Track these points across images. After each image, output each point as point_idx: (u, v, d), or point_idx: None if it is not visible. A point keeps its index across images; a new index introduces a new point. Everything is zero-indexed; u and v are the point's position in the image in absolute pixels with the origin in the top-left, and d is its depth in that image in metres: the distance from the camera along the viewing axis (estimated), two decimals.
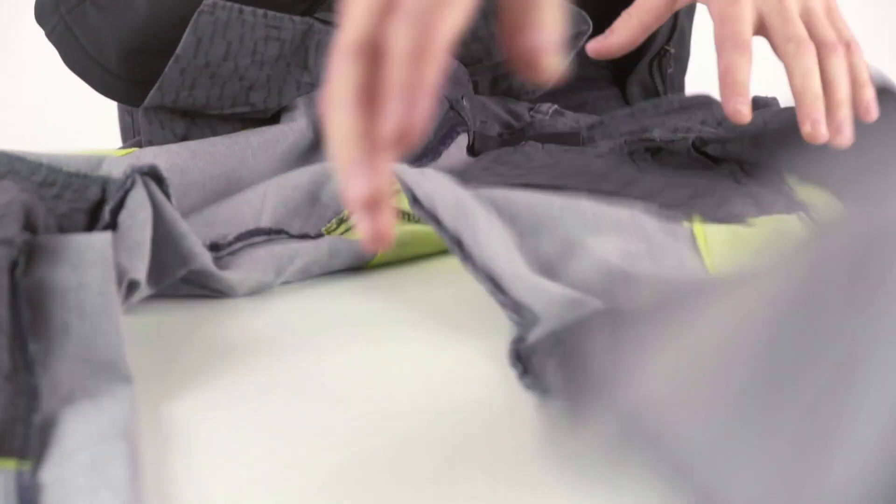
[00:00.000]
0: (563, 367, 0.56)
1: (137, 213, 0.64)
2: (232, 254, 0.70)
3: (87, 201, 0.66)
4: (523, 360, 0.57)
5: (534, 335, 0.58)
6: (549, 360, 0.56)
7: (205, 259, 0.66)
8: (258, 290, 0.70)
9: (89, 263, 0.58)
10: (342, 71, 0.45)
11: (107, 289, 0.57)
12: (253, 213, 0.73)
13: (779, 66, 0.77)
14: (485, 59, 1.00)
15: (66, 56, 0.93)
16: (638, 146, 0.91)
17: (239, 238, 0.71)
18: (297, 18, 0.86)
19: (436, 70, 0.44)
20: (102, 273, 0.57)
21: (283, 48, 0.85)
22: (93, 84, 0.89)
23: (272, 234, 0.72)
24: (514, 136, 0.96)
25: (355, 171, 0.44)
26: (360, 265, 0.74)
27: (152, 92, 0.83)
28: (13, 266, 0.58)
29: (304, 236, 0.73)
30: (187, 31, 0.83)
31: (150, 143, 0.84)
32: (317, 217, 0.75)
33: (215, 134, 0.83)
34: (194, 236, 0.66)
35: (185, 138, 0.82)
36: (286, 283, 0.72)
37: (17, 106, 2.37)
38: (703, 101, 0.98)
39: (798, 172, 0.81)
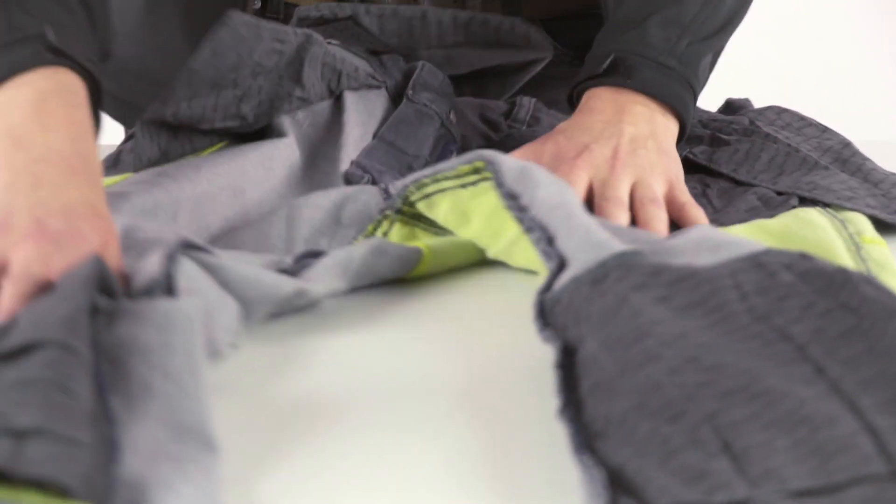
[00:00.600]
0: (576, 322, 0.57)
1: (196, 285, 0.63)
2: (294, 272, 0.70)
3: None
4: (546, 313, 0.60)
5: (559, 282, 0.60)
6: (568, 313, 0.57)
7: (288, 283, 0.66)
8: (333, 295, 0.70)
9: (176, 326, 0.56)
10: None
11: (193, 351, 0.54)
12: (278, 233, 0.73)
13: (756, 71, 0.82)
14: (463, 67, 1.01)
15: None
16: None
17: (301, 257, 0.71)
18: (298, 31, 0.87)
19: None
20: (189, 336, 0.55)
21: (281, 60, 0.85)
22: None
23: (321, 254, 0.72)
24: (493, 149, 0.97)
25: None
26: (402, 275, 0.74)
27: (155, 104, 0.82)
28: (92, 322, 0.56)
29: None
30: (205, 43, 0.83)
31: (140, 157, 0.82)
32: (340, 237, 0.75)
33: (194, 148, 0.82)
34: (267, 270, 0.66)
35: (166, 153, 0.81)
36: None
37: None
38: None
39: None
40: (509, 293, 0.74)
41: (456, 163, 0.73)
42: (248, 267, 0.66)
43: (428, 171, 0.75)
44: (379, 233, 0.75)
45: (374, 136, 0.87)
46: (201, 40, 0.85)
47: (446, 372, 0.63)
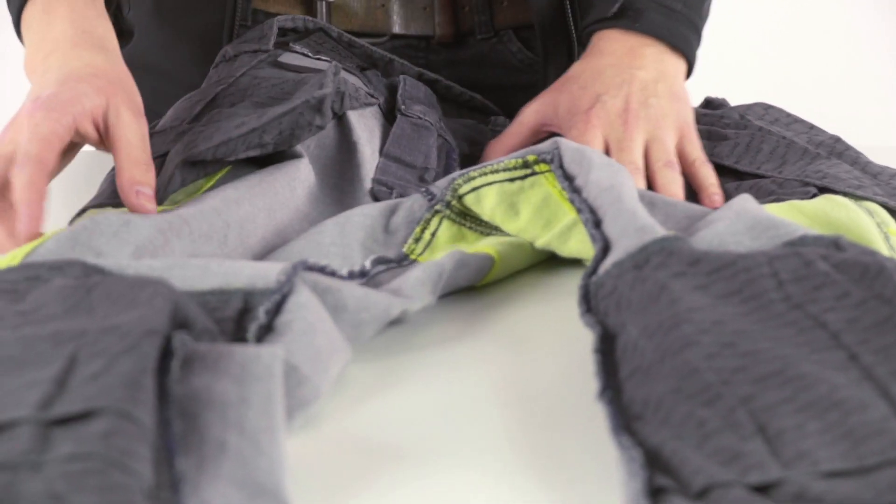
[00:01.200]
0: (617, 308, 0.59)
1: (305, 317, 0.60)
2: (372, 278, 0.71)
3: (232, 311, 0.61)
4: (589, 298, 0.62)
5: (603, 266, 0.61)
6: (610, 299, 0.59)
7: (397, 305, 0.66)
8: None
9: (254, 377, 0.53)
10: None
11: (271, 407, 0.52)
12: (332, 240, 0.74)
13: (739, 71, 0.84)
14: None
15: None
16: None
17: (377, 262, 0.71)
18: (330, 64, 0.90)
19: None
20: (268, 389, 0.52)
21: (304, 87, 0.86)
22: None
23: (391, 261, 0.73)
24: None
25: None
26: (476, 283, 0.74)
27: (192, 146, 0.81)
28: (164, 367, 0.53)
29: (401, 259, 0.74)
30: (246, 76, 0.88)
31: (163, 189, 0.80)
32: (390, 244, 0.76)
33: (206, 173, 0.81)
34: (364, 289, 0.66)
35: (183, 181, 0.80)
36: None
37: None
38: None
39: None
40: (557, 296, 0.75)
41: (506, 157, 0.75)
42: (361, 289, 0.65)
43: (476, 166, 0.76)
44: (427, 233, 0.75)
45: (380, 153, 0.89)
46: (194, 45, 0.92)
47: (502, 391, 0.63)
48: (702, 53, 0.97)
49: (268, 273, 0.62)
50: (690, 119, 0.90)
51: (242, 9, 1.01)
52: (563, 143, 0.73)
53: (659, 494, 0.47)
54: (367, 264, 0.70)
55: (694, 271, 0.59)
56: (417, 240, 0.75)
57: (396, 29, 1.05)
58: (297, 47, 0.96)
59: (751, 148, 0.89)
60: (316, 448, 0.56)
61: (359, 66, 0.99)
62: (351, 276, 0.69)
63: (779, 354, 0.53)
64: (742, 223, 0.65)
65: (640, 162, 0.86)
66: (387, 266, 0.71)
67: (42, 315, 0.58)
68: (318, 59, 0.95)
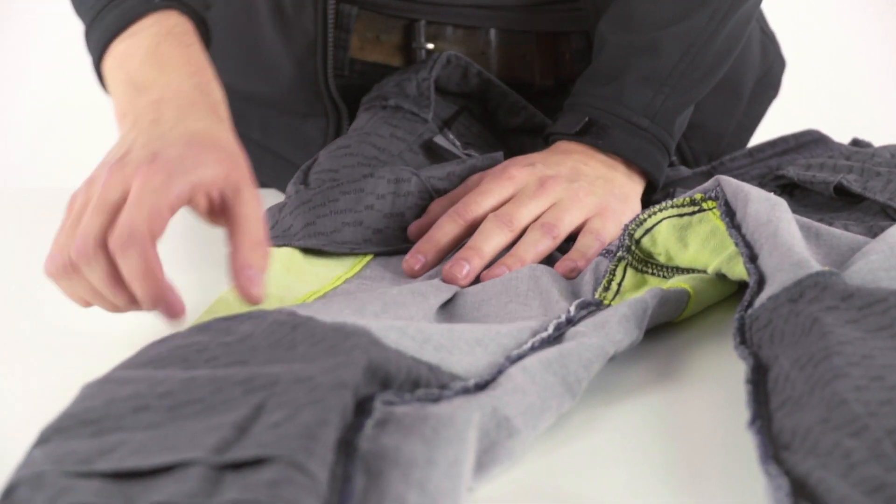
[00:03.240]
0: (770, 341, 0.60)
1: (514, 378, 0.62)
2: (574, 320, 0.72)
3: (438, 383, 0.62)
4: (744, 330, 0.64)
5: (758, 300, 0.63)
6: (764, 331, 0.61)
7: (610, 349, 0.67)
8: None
9: (445, 440, 0.53)
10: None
11: (457, 471, 0.52)
12: (528, 288, 0.77)
13: None
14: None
15: None
16: (771, 186, 0.94)
17: (580, 307, 0.73)
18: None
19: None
20: (456, 453, 0.53)
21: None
22: None
23: (591, 305, 0.74)
24: None
25: None
26: (673, 319, 0.75)
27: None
28: (359, 424, 0.54)
29: (598, 304, 0.75)
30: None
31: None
32: (580, 295, 0.77)
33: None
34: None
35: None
36: None
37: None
38: (817, 138, 1.02)
39: None
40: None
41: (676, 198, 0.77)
42: (574, 346, 0.65)
43: (644, 210, 0.78)
44: (614, 283, 0.77)
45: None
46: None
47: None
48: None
49: (479, 366, 0.64)
50: (618, 210, 0.88)
51: (339, 58, 1.02)
52: (724, 180, 0.75)
53: None
54: (572, 310, 0.71)
55: (846, 306, 0.60)
56: (606, 289, 0.77)
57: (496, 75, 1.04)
58: (451, 136, 0.99)
59: None
60: (493, 495, 0.57)
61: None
62: (559, 328, 0.70)
63: None
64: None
65: (520, 223, 0.84)
66: (588, 311, 0.73)
67: (245, 346, 0.61)
68: (468, 154, 0.98)
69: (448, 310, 0.77)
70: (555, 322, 0.70)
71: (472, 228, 0.85)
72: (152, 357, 0.61)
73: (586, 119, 0.92)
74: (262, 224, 0.70)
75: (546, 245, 0.84)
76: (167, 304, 0.66)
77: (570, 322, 0.71)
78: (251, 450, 0.50)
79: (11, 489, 0.50)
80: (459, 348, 0.64)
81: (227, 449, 0.51)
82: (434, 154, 0.96)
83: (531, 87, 1.05)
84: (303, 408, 0.53)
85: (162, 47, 0.78)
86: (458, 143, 0.98)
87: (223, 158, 0.70)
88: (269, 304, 0.72)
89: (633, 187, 0.92)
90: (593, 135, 0.92)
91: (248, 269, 0.68)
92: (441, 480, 0.51)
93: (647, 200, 0.94)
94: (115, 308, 0.69)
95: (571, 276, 0.81)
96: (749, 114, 1.14)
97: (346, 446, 0.53)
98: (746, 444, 0.57)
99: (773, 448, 0.54)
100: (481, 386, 0.62)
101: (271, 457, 0.49)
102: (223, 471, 0.50)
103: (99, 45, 0.81)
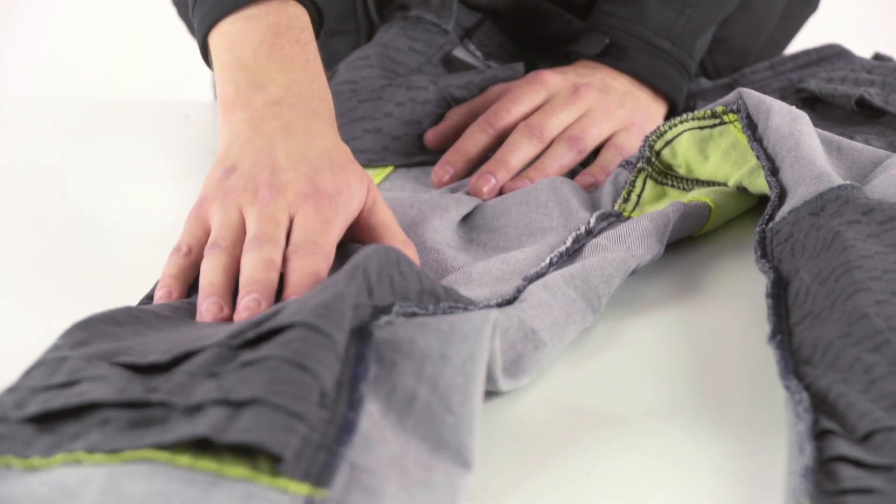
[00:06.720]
0: (791, 255, 0.60)
1: (537, 293, 0.62)
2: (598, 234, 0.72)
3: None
4: (764, 244, 0.64)
5: (779, 213, 0.64)
6: (785, 245, 0.60)
7: (624, 258, 0.67)
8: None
9: (460, 336, 0.52)
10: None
11: (471, 368, 0.51)
12: (548, 198, 0.76)
13: None
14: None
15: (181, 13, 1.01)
16: (793, 99, 0.93)
17: (601, 218, 0.73)
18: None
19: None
20: (471, 350, 0.52)
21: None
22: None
23: (611, 216, 0.74)
24: None
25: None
26: (694, 233, 0.75)
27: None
28: (372, 316, 0.54)
29: (618, 216, 0.75)
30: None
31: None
32: (599, 206, 0.77)
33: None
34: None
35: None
36: None
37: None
38: (839, 52, 1.00)
39: None
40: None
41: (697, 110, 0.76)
42: (597, 261, 0.66)
43: (665, 122, 0.78)
44: (633, 194, 0.77)
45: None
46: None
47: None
48: None
49: (501, 292, 0.64)
50: (645, 126, 0.87)
51: None
52: (746, 92, 0.74)
53: (824, 437, 0.49)
54: (592, 221, 0.72)
55: (867, 220, 0.60)
56: (626, 200, 0.77)
57: None
58: (472, 46, 0.97)
59: None
60: (517, 410, 0.57)
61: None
62: (577, 240, 0.70)
63: None
64: None
65: (550, 132, 0.84)
66: (608, 222, 0.73)
67: None
68: (488, 65, 0.97)
69: (469, 222, 0.77)
70: (574, 234, 0.70)
71: (501, 137, 0.85)
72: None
73: (606, 41, 0.92)
74: (398, 226, 0.70)
75: (571, 158, 0.84)
76: None
77: (590, 233, 0.71)
78: (269, 326, 0.51)
79: (34, 367, 0.52)
80: (480, 287, 0.66)
81: (241, 334, 0.52)
82: (453, 68, 0.95)
83: (572, 1, 1.04)
84: (317, 294, 0.53)
85: (281, 41, 0.73)
86: (478, 53, 0.97)
87: (361, 178, 0.69)
88: None
89: (658, 108, 0.92)
90: (614, 56, 0.91)
91: None
92: (454, 377, 0.51)
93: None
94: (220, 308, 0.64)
95: (590, 190, 0.81)
96: (782, 28, 1.12)
97: (361, 332, 0.53)
98: (767, 359, 0.58)
99: (794, 362, 0.54)
100: (503, 304, 0.63)
101: (288, 324, 0.50)
102: (240, 349, 0.51)
103: (206, 20, 0.76)
